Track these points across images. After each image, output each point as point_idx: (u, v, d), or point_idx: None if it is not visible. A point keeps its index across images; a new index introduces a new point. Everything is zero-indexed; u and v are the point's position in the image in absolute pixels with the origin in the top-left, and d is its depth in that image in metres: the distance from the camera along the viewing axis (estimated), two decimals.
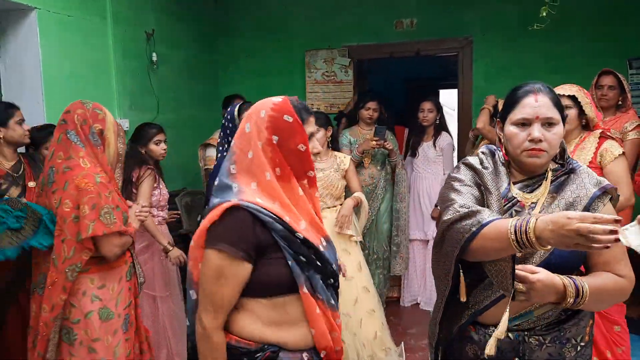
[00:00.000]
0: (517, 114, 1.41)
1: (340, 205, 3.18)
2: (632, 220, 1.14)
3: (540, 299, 1.29)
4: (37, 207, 2.12)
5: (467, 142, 4.03)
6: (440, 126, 4.14)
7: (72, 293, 2.05)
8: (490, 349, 1.30)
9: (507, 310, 1.28)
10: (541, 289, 1.25)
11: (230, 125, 2.29)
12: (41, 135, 2.79)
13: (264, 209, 1.32)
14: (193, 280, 1.43)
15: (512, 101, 1.45)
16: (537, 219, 1.15)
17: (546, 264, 1.35)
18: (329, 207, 3.16)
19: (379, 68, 6.45)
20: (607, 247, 1.07)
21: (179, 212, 3.53)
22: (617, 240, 1.06)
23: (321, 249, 1.41)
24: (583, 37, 4.38)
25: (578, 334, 1.43)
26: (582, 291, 1.29)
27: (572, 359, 1.42)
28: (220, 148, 2.32)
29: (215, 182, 1.40)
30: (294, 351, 1.39)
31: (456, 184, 1.45)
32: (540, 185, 1.43)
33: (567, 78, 4.39)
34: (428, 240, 4.12)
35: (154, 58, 4.01)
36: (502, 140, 1.49)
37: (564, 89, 2.39)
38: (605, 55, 4.25)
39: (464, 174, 1.48)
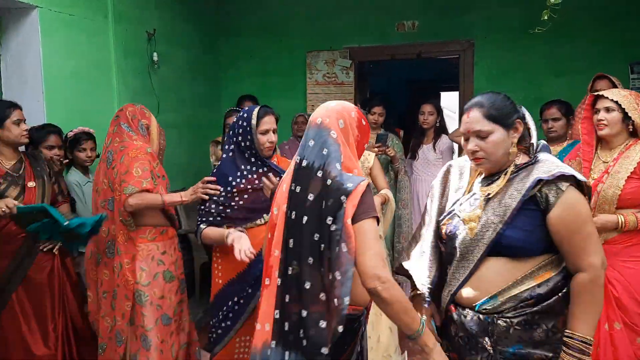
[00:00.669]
0: (461, 129, 1.64)
1: None
2: None
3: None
4: (35, 205, 2.27)
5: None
6: (441, 129, 4.12)
7: (142, 258, 2.46)
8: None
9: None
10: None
11: (245, 124, 2.24)
12: (40, 134, 2.79)
13: None
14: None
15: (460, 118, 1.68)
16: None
17: (495, 244, 1.50)
18: None
19: (380, 70, 6.44)
20: None
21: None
22: None
23: None
24: (585, 40, 4.38)
25: (550, 320, 1.48)
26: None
27: (542, 342, 1.47)
28: (227, 147, 2.30)
29: (337, 167, 1.49)
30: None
31: (430, 193, 1.86)
32: (499, 179, 1.58)
33: (569, 81, 4.41)
34: None
35: (155, 58, 4.01)
36: None
37: (611, 93, 2.28)
38: (608, 58, 4.26)
39: (437, 180, 1.85)
